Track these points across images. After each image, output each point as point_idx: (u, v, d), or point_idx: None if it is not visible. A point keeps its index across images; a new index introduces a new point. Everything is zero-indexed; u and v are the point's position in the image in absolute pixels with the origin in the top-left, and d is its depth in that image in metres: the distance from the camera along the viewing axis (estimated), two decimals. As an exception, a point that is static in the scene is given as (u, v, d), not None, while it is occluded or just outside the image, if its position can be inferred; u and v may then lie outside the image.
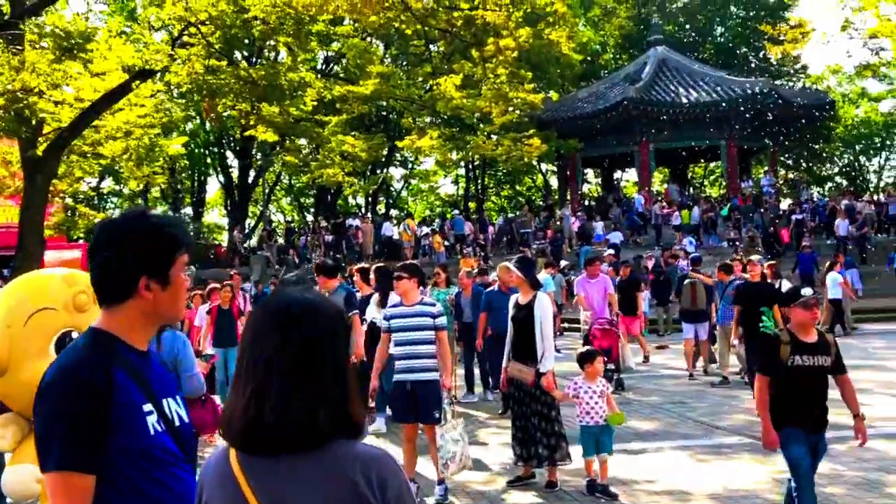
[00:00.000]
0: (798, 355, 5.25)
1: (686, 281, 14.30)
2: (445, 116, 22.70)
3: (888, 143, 48.19)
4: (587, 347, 7.90)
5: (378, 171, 42.05)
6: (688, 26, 47.91)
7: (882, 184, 48.19)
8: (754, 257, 12.20)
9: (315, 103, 17.09)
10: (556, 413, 7.33)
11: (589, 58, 44.60)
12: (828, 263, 20.67)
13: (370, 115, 33.98)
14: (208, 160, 43.90)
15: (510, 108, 18.19)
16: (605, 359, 11.44)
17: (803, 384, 5.30)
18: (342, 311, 1.99)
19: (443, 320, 7.09)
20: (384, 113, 37.67)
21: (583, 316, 13.22)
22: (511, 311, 7.60)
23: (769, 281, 12.00)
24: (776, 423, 5.34)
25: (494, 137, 22.55)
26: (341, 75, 30.76)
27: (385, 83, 18.63)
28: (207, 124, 34.44)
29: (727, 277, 12.71)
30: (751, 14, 47.25)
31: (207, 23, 13.67)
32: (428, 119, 26.22)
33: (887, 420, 9.58)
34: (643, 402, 11.58)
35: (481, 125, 26.66)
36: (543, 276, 16.81)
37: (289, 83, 15.00)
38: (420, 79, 23.03)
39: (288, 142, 20.58)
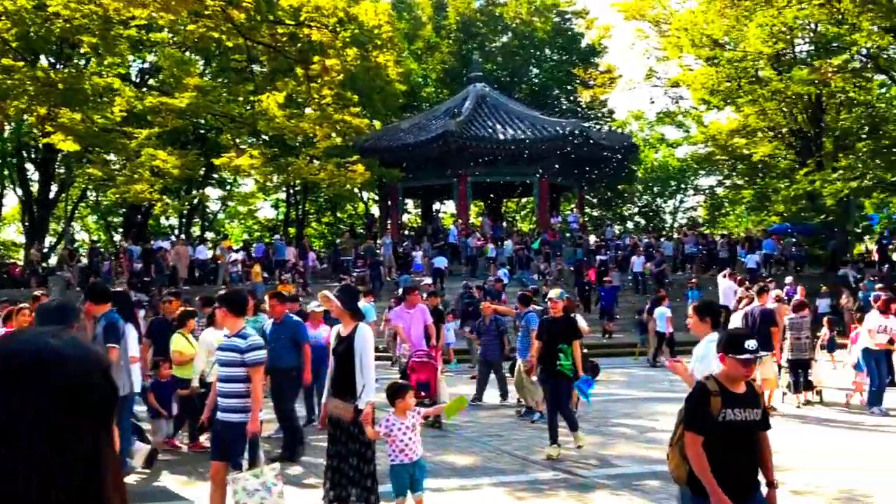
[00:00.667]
0: (729, 408, 4.55)
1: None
2: (267, 137, 22.06)
3: (682, 186, 51.67)
4: (398, 381, 7.59)
5: (194, 191, 40.36)
6: (505, 66, 49.47)
7: (676, 224, 51.56)
8: (553, 292, 11.26)
9: (125, 114, 16.11)
10: (371, 453, 7.01)
11: (412, 89, 45.15)
12: (654, 298, 21.82)
13: (186, 131, 32.54)
14: (5, 171, 40.63)
15: (334, 133, 17.87)
16: (423, 393, 11.30)
17: (733, 442, 4.58)
18: (97, 361, 1.35)
19: (253, 356, 6.49)
20: (202, 130, 36.29)
21: (401, 348, 13.00)
22: (332, 343, 7.26)
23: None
24: (697, 490, 4.57)
25: (317, 162, 22.10)
26: (156, 87, 29.37)
27: (203, 97, 17.83)
28: (6, 132, 31.88)
29: (524, 308, 12.96)
30: (564, 58, 49.51)
31: (3, 17, 12.54)
32: (249, 139, 25.41)
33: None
34: (460, 435, 11.43)
35: (304, 148, 26.18)
36: (363, 304, 16.54)
37: (93, 88, 14.01)
38: (241, 97, 22.18)
39: (93, 153, 19.23)
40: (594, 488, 8.28)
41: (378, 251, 31.93)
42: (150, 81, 35.75)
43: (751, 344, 4.51)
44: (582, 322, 12.73)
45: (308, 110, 17.00)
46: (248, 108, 20.63)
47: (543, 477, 8.90)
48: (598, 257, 31.16)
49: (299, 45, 13.12)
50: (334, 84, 15.07)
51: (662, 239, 36.94)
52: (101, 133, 15.41)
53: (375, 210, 46.74)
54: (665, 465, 5.07)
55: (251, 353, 6.48)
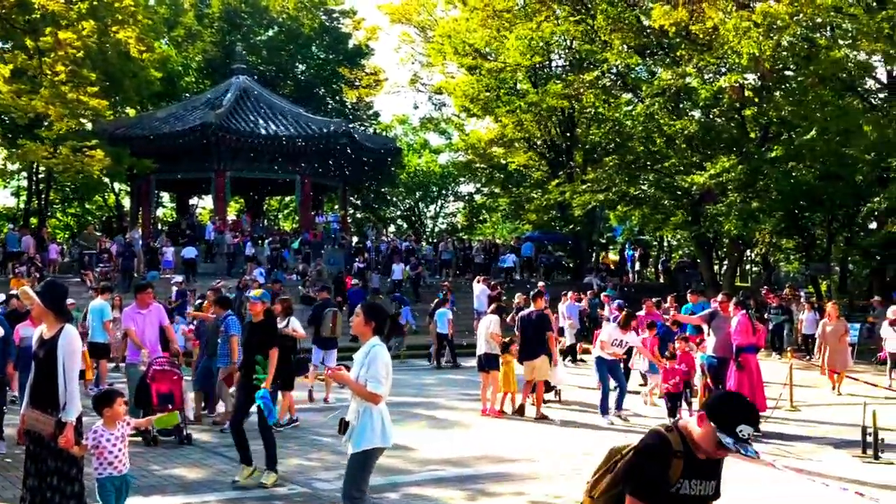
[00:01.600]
0: (689, 479, 3.59)
1: (328, 309, 14.25)
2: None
3: (444, 192, 52.84)
4: (105, 388, 6.75)
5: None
6: (271, 60, 48.29)
7: (437, 229, 52.65)
8: (254, 292, 9.86)
9: None
10: (76, 471, 6.12)
11: (170, 78, 42.84)
12: (436, 301, 21.73)
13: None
14: None
15: (69, 114, 16.20)
16: (171, 406, 10.27)
17: None
18: None
19: None
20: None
21: (136, 354, 11.54)
22: (34, 346, 6.28)
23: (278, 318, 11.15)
24: None
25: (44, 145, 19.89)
26: None
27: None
28: None
29: (222, 312, 11.90)
30: (331, 57, 49.07)
31: None
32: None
33: (442, 463, 9.76)
34: (195, 447, 10.54)
35: (38, 130, 23.64)
36: (97, 302, 15.15)
37: None
38: None
39: None
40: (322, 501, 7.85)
41: (130, 246, 29.86)
42: None
43: (744, 431, 3.42)
44: (296, 325, 12.31)
45: (42, 89, 15.19)
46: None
47: (279, 491, 8.34)
48: (356, 263, 30.80)
49: (28, 15, 11.66)
50: (69, 60, 13.65)
51: (423, 243, 37.45)
52: None
53: (128, 202, 43.88)
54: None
55: None
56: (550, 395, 14.21)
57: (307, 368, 13.11)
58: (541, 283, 26.43)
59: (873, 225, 27.41)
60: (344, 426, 5.79)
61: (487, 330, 13.24)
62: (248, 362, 8.72)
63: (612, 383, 12.84)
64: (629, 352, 13.90)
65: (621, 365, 13.31)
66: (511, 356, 13.26)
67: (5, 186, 48.18)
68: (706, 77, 25.43)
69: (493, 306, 14.21)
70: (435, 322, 20.86)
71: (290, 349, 11.80)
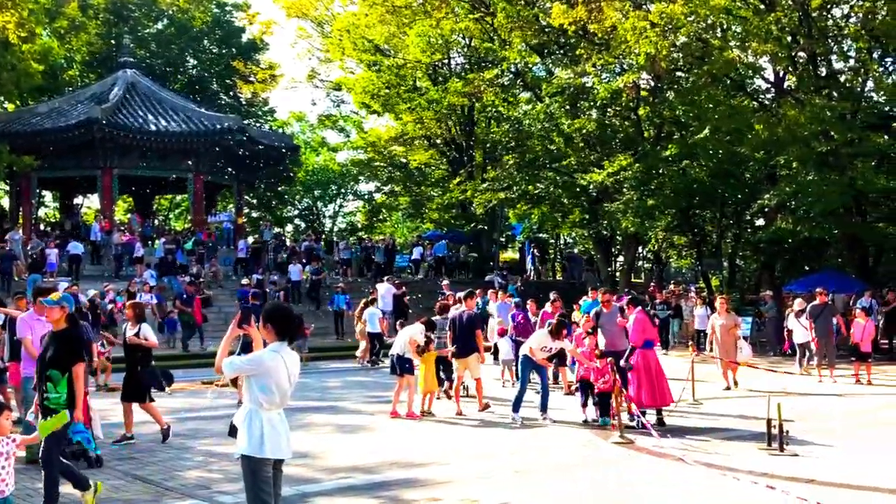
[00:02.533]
0: None
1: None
2: None
3: (342, 190, 52.14)
4: None
5: None
6: (161, 54, 46.66)
7: (336, 228, 51.92)
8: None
9: None
10: None
11: (52, 70, 40.82)
12: (363, 301, 21.40)
13: None
14: None
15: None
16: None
17: None
18: None
19: None
20: None
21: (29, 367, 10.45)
22: None
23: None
24: None
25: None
26: None
27: None
28: None
29: None
30: (224, 51, 47.75)
31: None
32: None
33: (351, 470, 9.38)
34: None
35: None
36: None
37: None
38: None
39: None
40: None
41: (6, 247, 28.18)
42: None
43: None
44: (148, 332, 11.07)
45: None
46: None
47: (182, 507, 7.85)
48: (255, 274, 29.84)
49: None
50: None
51: (321, 243, 36.75)
52: None
53: (6, 202, 41.64)
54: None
55: None
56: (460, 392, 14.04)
57: (170, 379, 12.04)
58: (445, 282, 26.46)
59: (760, 221, 28.32)
60: (233, 430, 5.51)
61: (409, 336, 13.06)
62: (42, 379, 7.34)
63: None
64: (555, 356, 13.79)
65: (547, 371, 13.22)
66: (430, 355, 13.07)
67: None
68: (604, 76, 25.75)
69: (425, 319, 13.79)
70: (365, 321, 20.48)
71: (141, 360, 10.90)
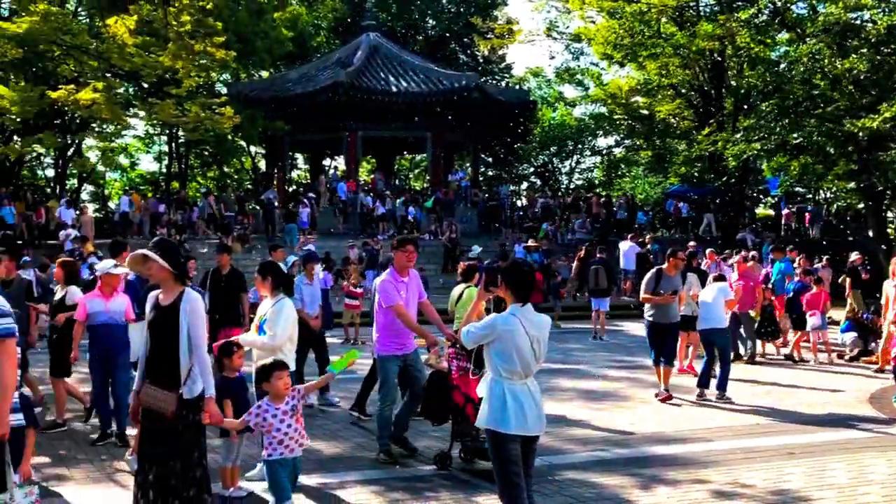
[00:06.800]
0: None
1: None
2: (122, 72, 19.19)
3: (579, 146, 50.86)
4: (271, 359, 5.83)
5: (64, 138, 36.27)
6: (401, 16, 47.46)
7: (572, 185, 50.82)
8: None
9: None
10: (199, 455, 5.36)
11: (301, 38, 42.65)
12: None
13: (41, 65, 27.18)
14: None
15: (196, 66, 15.60)
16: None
17: None
18: None
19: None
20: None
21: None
22: (147, 315, 5.50)
23: None
24: None
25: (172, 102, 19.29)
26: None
27: (45, 23, 15.18)
28: None
29: None
30: (462, 9, 47.75)
31: None
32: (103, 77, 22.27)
33: (603, 442, 8.61)
34: (330, 415, 9.70)
35: (172, 88, 23.16)
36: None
37: None
38: (84, 18, 18.96)
39: None
40: (479, 489, 6.82)
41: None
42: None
43: None
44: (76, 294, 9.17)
45: (170, 45, 14.63)
46: (98, 40, 17.78)
47: (423, 472, 7.41)
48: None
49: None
50: (194, 9, 12.98)
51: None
52: None
53: (263, 164, 44.32)
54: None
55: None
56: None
57: None
58: (691, 242, 24.80)
59: None
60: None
61: (689, 290, 12.06)
62: None
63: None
64: None
65: None
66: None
67: (147, 151, 49.83)
68: (880, 7, 22.73)
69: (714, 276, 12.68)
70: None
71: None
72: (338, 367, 5.73)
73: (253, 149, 45.30)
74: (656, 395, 10.91)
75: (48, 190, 40.96)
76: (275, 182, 36.02)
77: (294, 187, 39.62)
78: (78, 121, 32.56)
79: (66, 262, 9.97)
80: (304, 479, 6.69)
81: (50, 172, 44.65)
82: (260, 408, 5.45)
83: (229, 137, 33.95)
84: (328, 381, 6.90)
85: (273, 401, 5.45)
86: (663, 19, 31.55)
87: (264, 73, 40.41)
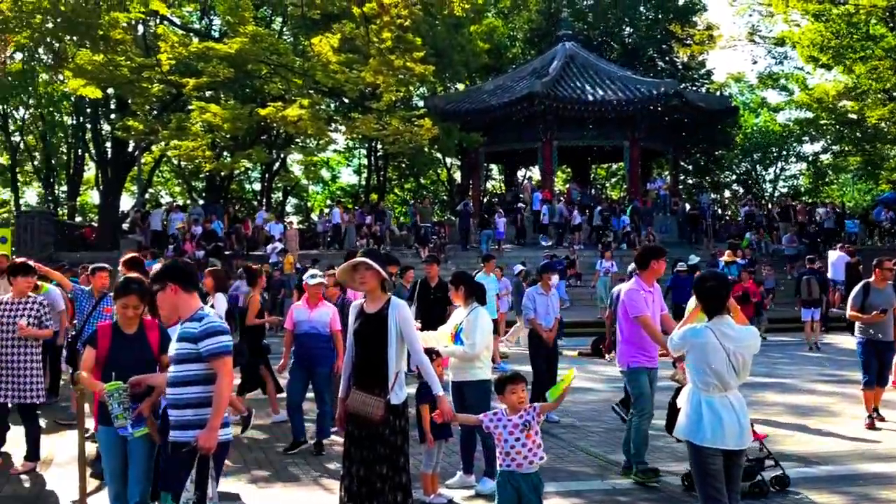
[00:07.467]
0: None
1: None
2: (326, 89, 20.09)
3: (784, 153, 48.38)
4: (511, 371, 5.75)
5: (271, 154, 38.69)
6: (597, 25, 46.98)
7: (776, 193, 48.37)
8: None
9: (173, 61, 14.62)
10: (404, 461, 5.46)
11: (497, 50, 43.17)
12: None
13: (249, 84, 28.98)
14: (78, 132, 39.94)
15: (395, 81, 16.07)
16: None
17: None
18: None
19: (211, 342, 4.72)
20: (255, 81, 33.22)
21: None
22: (353, 324, 5.66)
23: None
24: None
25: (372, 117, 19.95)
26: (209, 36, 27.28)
27: (254, 44, 16.17)
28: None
29: None
30: (659, 16, 46.67)
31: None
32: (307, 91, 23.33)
33: (809, 457, 8.06)
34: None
35: (371, 103, 23.99)
36: (481, 275, 15.02)
37: (110, 23, 12.26)
38: (288, 38, 20.06)
39: (135, 104, 17.74)
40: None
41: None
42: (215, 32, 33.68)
43: None
44: None
45: (371, 61, 15.15)
46: (300, 53, 18.75)
47: (622, 484, 7.25)
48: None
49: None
50: (394, 26, 13.37)
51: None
52: (132, 79, 13.91)
53: (458, 176, 45.17)
54: None
55: (210, 339, 4.75)
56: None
57: None
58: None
59: None
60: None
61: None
62: None
63: None
64: None
65: None
66: None
67: (347, 164, 52.19)
68: None
69: None
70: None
71: None
72: (554, 395, 5.51)
73: (448, 160, 46.24)
74: (867, 426, 9.86)
75: (255, 203, 43.75)
76: (470, 193, 36.54)
77: (488, 198, 40.02)
78: (283, 136, 34.58)
79: (214, 270, 10.30)
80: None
81: (256, 186, 47.77)
82: (496, 415, 5.42)
83: (426, 150, 34.76)
84: (552, 410, 6.64)
85: (509, 412, 5.39)
86: (872, 20, 29.63)
87: (460, 86, 41.20)
